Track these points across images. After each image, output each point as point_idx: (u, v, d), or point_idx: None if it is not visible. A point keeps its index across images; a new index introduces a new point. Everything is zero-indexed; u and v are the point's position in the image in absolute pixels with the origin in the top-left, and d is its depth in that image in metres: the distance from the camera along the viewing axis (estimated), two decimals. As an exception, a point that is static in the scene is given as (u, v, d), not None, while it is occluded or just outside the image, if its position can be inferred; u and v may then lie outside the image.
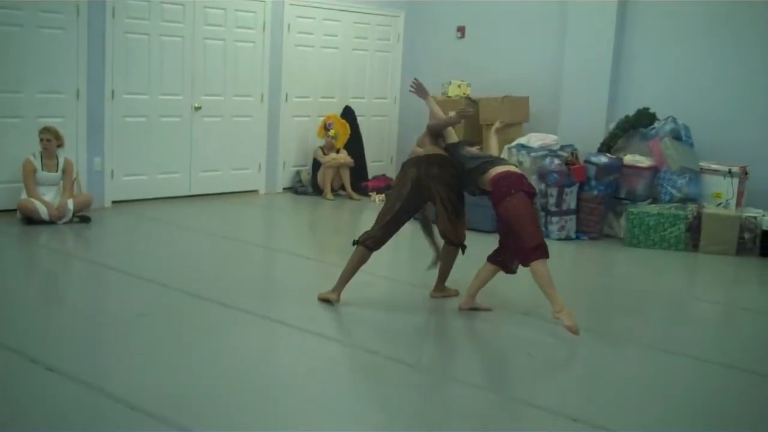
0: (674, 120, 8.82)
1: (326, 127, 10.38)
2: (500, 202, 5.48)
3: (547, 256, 5.35)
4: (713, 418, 4.37)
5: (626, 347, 5.33)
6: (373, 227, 5.87)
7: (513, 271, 5.77)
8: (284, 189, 10.55)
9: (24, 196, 7.90)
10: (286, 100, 10.36)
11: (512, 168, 5.69)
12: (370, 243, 5.83)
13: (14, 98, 8.17)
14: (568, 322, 5.26)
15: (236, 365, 4.71)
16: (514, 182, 5.51)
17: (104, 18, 8.60)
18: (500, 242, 5.72)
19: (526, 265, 5.43)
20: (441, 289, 6.16)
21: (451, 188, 5.88)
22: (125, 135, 8.98)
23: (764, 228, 8.17)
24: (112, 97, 8.80)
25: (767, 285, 7.54)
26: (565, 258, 8.04)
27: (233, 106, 9.91)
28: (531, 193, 5.55)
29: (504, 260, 5.70)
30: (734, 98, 8.96)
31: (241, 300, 5.84)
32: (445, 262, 6.10)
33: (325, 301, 5.83)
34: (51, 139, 7.96)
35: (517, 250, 5.44)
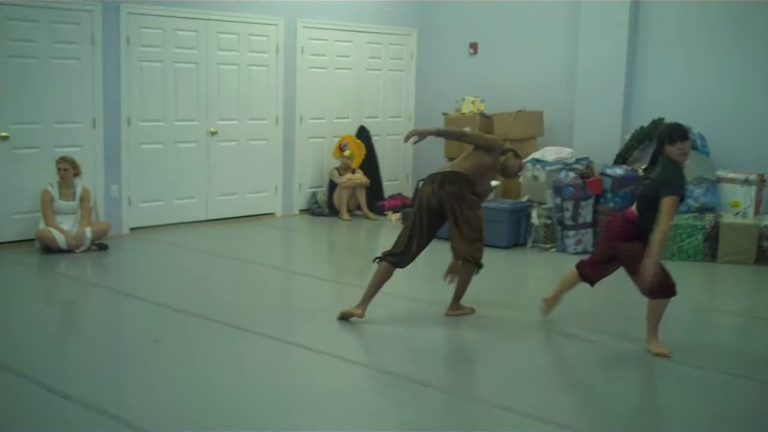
0: (689, 129, 8.76)
1: (341, 148, 10.42)
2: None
3: (674, 294, 5.35)
4: (731, 429, 4.33)
5: (645, 359, 5.29)
6: (394, 246, 5.88)
7: (592, 282, 5.75)
8: (301, 211, 10.57)
9: (42, 225, 7.97)
10: (301, 122, 10.41)
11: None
12: (392, 258, 5.85)
13: (31, 129, 8.26)
14: (658, 350, 5.29)
15: (254, 389, 4.72)
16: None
17: (119, 46, 8.69)
18: (596, 261, 5.69)
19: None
20: (456, 307, 6.15)
21: (470, 207, 5.86)
22: (142, 162, 9.06)
23: (784, 236, 8.10)
24: (128, 124, 8.89)
25: (788, 293, 7.47)
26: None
27: (248, 129, 9.97)
28: None
29: (593, 277, 5.69)
30: (750, 105, 8.89)
31: (259, 323, 5.86)
32: (460, 279, 6.08)
33: (348, 316, 5.82)
34: (68, 168, 8.05)
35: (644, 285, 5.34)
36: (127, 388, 4.78)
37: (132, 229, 8.99)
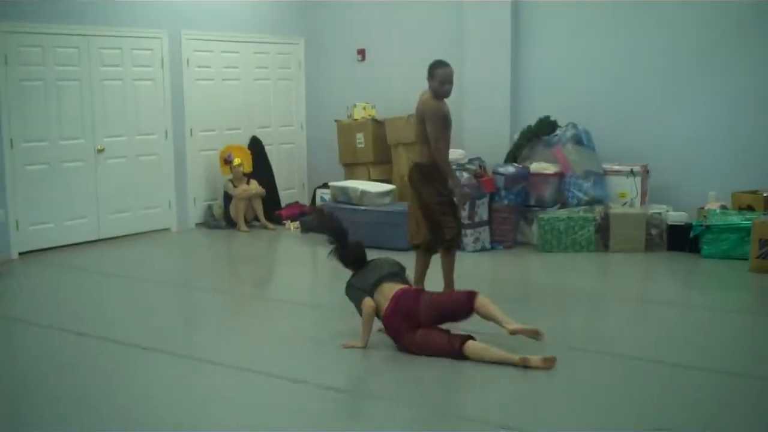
0: (574, 125, 9.05)
1: (227, 160, 10.29)
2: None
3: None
4: (633, 413, 4.48)
5: (548, 349, 5.43)
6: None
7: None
8: (197, 225, 10.42)
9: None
10: (191, 135, 10.27)
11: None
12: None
13: None
14: None
15: (165, 408, 4.64)
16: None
17: (-4, 66, 8.41)
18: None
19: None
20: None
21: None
22: (28, 184, 8.75)
23: (669, 223, 8.45)
24: (11, 146, 8.58)
25: (676, 278, 7.79)
26: (483, 268, 8.15)
27: (137, 145, 9.76)
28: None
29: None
30: (631, 99, 9.24)
31: (164, 341, 5.75)
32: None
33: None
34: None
35: None
36: (32, 415, 4.61)
37: (21, 253, 8.68)
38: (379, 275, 5.61)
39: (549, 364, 5.10)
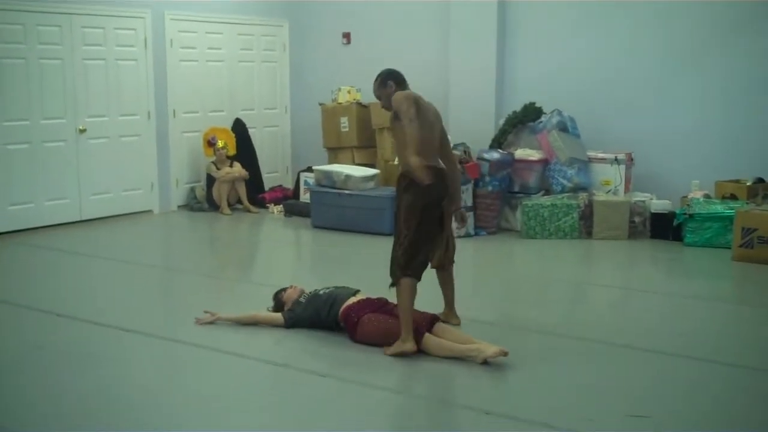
0: (560, 112, 9.04)
1: (211, 142, 10.23)
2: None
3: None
4: (612, 398, 4.49)
5: (529, 336, 5.43)
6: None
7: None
8: (179, 207, 10.35)
9: None
10: (174, 116, 10.18)
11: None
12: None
13: None
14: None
15: (145, 390, 4.60)
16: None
17: (-24, 44, 8.30)
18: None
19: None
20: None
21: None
22: (8, 163, 8.66)
23: (653, 211, 8.47)
24: (-9, 124, 8.50)
25: (658, 266, 7.81)
26: (467, 254, 8.10)
27: (119, 126, 9.67)
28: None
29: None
30: (617, 87, 9.24)
31: (145, 323, 5.71)
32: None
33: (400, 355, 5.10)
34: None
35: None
36: (10, 397, 4.56)
37: (1, 233, 8.59)
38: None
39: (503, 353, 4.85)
